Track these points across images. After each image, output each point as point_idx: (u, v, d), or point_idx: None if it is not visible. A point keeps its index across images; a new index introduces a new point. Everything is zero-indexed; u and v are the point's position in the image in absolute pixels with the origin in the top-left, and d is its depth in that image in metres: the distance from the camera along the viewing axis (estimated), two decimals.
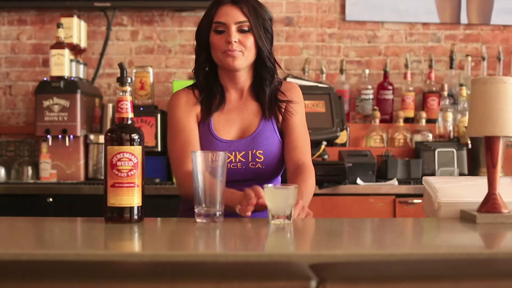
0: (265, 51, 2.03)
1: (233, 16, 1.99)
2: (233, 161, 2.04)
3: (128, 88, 1.71)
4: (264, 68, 2.07)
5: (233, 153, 2.04)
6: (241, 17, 2.00)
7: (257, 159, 2.05)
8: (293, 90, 2.14)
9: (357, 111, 3.99)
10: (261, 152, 2.06)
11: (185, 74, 4.07)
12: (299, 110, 2.12)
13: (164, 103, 4.01)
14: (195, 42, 2.11)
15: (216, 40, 2.01)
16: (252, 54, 2.04)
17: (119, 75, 1.72)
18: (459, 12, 4.09)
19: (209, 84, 2.09)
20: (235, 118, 2.09)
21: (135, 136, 1.69)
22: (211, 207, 1.70)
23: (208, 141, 2.05)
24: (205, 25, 2.04)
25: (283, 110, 2.11)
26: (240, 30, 2.00)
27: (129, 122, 1.71)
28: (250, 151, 2.05)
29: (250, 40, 2.01)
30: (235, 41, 1.99)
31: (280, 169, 2.13)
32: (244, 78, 2.10)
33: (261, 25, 2.02)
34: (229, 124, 2.08)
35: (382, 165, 3.51)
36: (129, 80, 1.72)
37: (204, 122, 2.07)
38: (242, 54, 2.02)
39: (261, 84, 2.10)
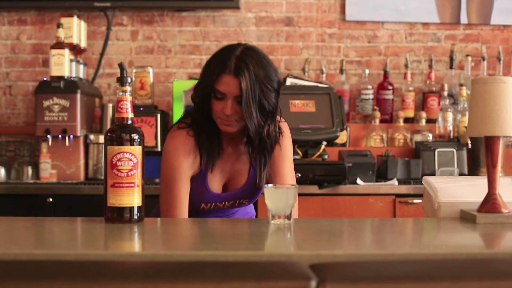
0: (251, 127, 1.96)
1: (233, 88, 1.94)
2: (221, 207, 2.11)
3: (128, 88, 1.71)
4: (258, 140, 2.03)
5: (223, 202, 2.09)
6: (239, 91, 1.94)
7: (242, 204, 2.14)
8: (282, 139, 2.11)
9: (357, 111, 3.98)
10: (247, 200, 2.14)
11: (185, 74, 4.07)
12: (286, 156, 2.11)
13: (164, 103, 4.02)
14: (195, 91, 2.04)
15: (215, 106, 1.98)
16: None
17: (119, 75, 1.72)
18: (459, 12, 4.09)
19: (209, 130, 2.04)
20: (227, 170, 2.09)
21: (135, 136, 1.69)
22: None
23: (200, 192, 2.05)
24: (207, 86, 1.98)
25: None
26: (238, 102, 1.96)
27: (129, 122, 1.71)
28: (238, 200, 2.12)
29: None
30: (231, 113, 1.96)
31: None
32: (240, 132, 2.05)
33: (256, 101, 1.94)
34: (221, 175, 2.08)
35: (382, 165, 3.51)
36: (129, 80, 1.72)
37: (202, 170, 2.04)
38: (238, 122, 1.99)
39: (258, 149, 2.06)
